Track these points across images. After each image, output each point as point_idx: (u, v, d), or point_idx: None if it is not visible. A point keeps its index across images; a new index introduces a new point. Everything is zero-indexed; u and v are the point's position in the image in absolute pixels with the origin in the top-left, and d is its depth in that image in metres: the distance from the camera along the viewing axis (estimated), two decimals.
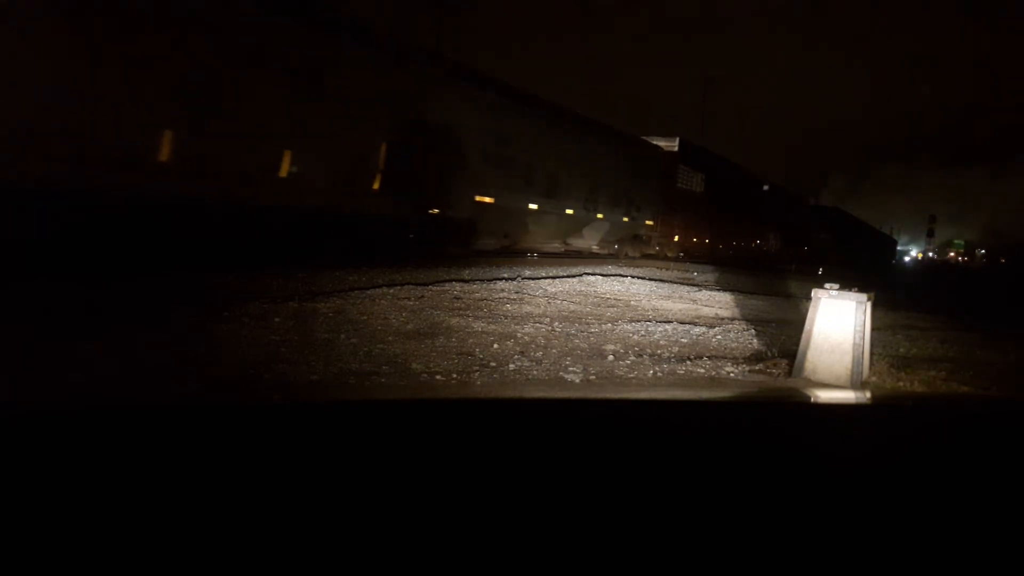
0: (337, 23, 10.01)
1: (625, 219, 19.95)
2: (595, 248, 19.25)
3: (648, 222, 21.61)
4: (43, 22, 6.49)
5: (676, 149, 23.60)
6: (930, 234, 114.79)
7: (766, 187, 35.38)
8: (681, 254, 23.40)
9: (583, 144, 17.38)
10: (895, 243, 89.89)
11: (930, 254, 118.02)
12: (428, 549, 0.71)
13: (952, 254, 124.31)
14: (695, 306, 9.09)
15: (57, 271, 6.19)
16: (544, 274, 11.13)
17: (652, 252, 21.92)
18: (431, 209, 11.79)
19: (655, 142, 22.80)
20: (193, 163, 8.08)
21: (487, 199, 13.39)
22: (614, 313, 7.64)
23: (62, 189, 6.81)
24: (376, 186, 10.77)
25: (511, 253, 14.89)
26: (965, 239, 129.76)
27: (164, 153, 7.81)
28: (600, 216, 18.40)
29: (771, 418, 1.42)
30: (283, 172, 9.21)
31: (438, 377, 4.26)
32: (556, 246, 17.74)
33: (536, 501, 0.84)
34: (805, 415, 1.52)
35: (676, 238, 23.88)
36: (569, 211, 16.96)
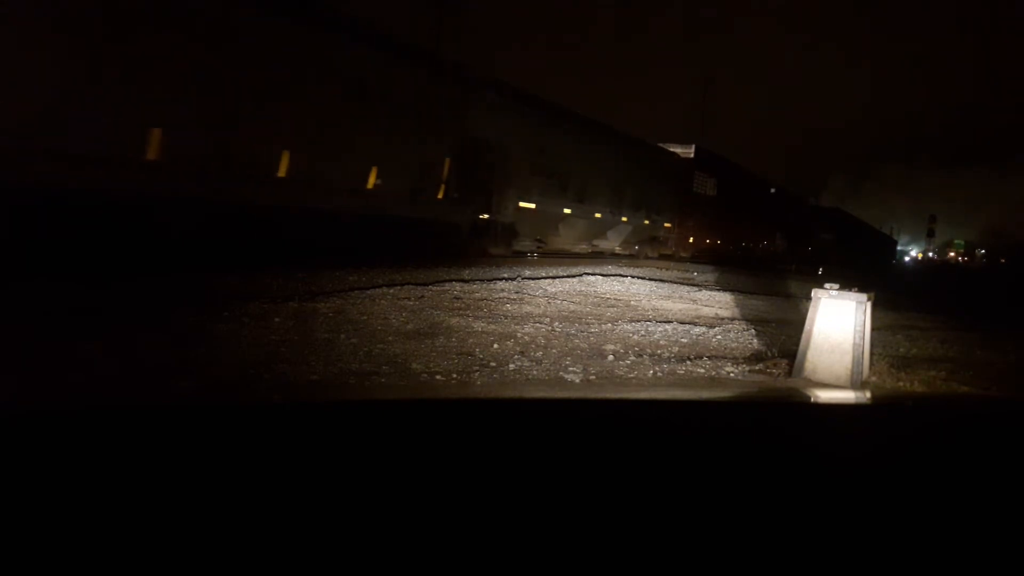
0: (411, 56, 11.76)
1: (646, 222, 21.38)
2: (618, 249, 20.41)
3: (666, 224, 22.99)
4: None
5: (692, 156, 24.91)
6: (930, 234, 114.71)
7: (773, 190, 36.67)
8: (695, 254, 24.52)
9: (610, 153, 18.86)
10: (895, 243, 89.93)
11: (930, 254, 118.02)
12: (429, 549, 0.71)
13: (952, 254, 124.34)
14: (695, 306, 9.09)
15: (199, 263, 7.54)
16: (544, 274, 11.13)
17: (669, 253, 22.90)
18: (482, 215, 13.31)
19: (672, 149, 24.02)
20: (303, 178, 9.65)
21: (529, 205, 15.06)
22: (614, 313, 7.64)
23: (214, 201, 8.63)
24: (440, 195, 12.44)
25: (544, 254, 16.11)
26: (966, 239, 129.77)
27: (281, 170, 9.35)
28: (624, 219, 19.85)
29: (771, 418, 1.42)
30: (370, 184, 10.88)
31: (438, 377, 4.26)
32: (583, 247, 18.84)
33: (537, 501, 0.83)
34: (805, 415, 1.52)
35: (691, 239, 25.08)
36: (597, 215, 18.42)
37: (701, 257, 23.79)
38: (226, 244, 8.52)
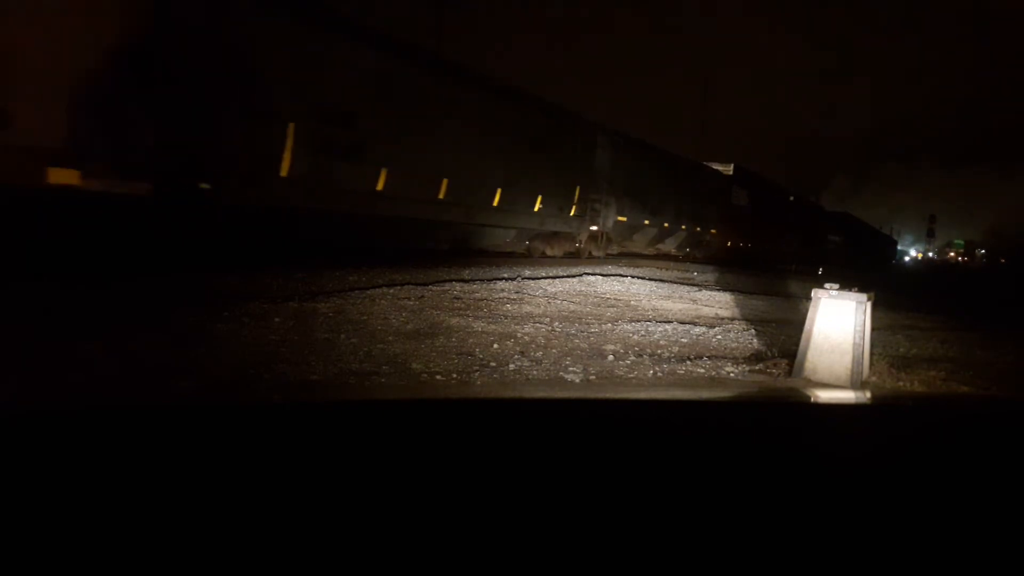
0: (560, 114, 16.87)
1: (697, 229, 26.11)
2: (673, 251, 24.77)
3: (712, 231, 27.64)
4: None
5: (731, 173, 29.68)
6: (930, 234, 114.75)
7: (792, 198, 41.62)
8: (728, 255, 28.35)
9: (675, 174, 23.86)
10: (895, 243, 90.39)
11: (930, 254, 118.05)
12: (428, 549, 0.71)
13: (952, 254, 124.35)
14: (695, 306, 9.09)
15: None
16: (544, 274, 11.13)
17: (712, 255, 26.86)
18: (592, 226, 18.46)
19: (715, 167, 28.94)
20: (509, 204, 14.71)
21: (622, 219, 19.98)
22: (614, 313, 7.64)
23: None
24: (572, 213, 17.34)
25: (623, 254, 20.90)
26: (966, 239, 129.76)
27: (495, 201, 14.25)
28: (683, 228, 24.52)
29: (771, 418, 1.42)
30: (536, 208, 15.76)
31: (438, 377, 4.26)
32: (650, 250, 23.38)
33: (536, 501, 0.84)
34: (805, 415, 1.52)
35: (729, 244, 29.48)
36: (665, 224, 23.21)
37: (738, 257, 27.32)
38: (463, 250, 14.31)
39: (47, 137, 6.49)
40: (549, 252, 17.24)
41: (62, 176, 6.63)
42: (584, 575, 0.70)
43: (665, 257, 23.48)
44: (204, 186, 8.13)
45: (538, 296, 8.40)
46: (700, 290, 11.28)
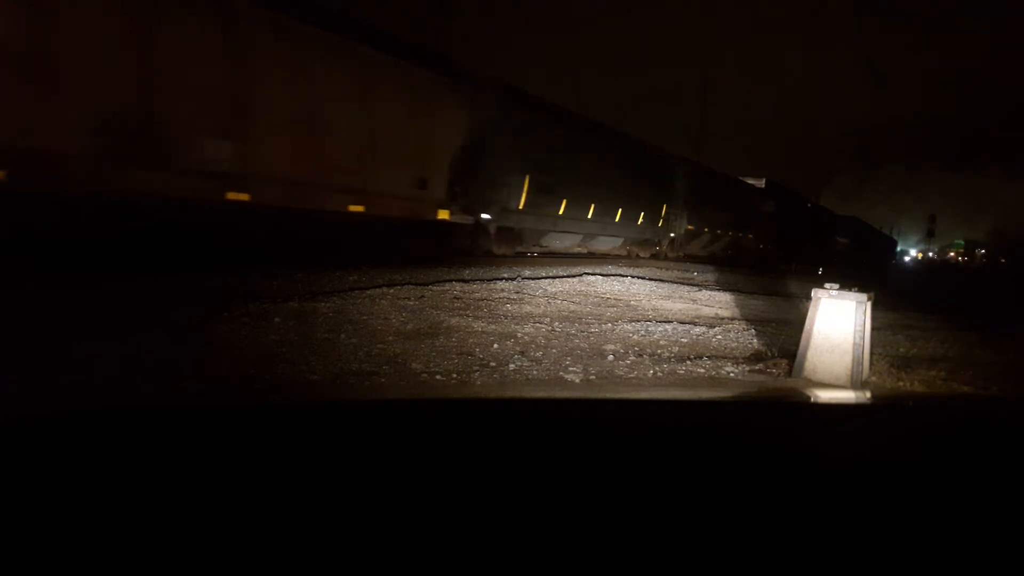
0: (649, 148, 23.39)
1: (739, 235, 31.97)
2: (718, 254, 29.48)
3: (749, 236, 33.34)
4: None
5: (763, 186, 35.38)
6: (930, 234, 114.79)
7: (809, 204, 47.65)
8: (758, 256, 32.70)
9: (724, 190, 30.04)
10: (895, 243, 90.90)
11: (930, 254, 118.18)
12: (428, 549, 0.71)
13: (952, 254, 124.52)
14: (695, 306, 9.09)
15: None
16: (544, 274, 11.13)
17: (747, 256, 31.04)
18: (671, 233, 24.44)
19: (750, 181, 34.77)
20: (624, 219, 20.52)
21: (691, 227, 25.93)
22: (614, 313, 7.64)
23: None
24: (659, 225, 23.52)
25: (686, 257, 25.32)
26: (967, 239, 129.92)
27: (617, 218, 20.16)
28: (729, 234, 30.55)
29: (771, 418, 1.42)
30: (639, 222, 21.72)
31: (438, 377, 4.26)
32: (701, 252, 27.93)
33: (536, 501, 0.84)
34: (805, 415, 1.52)
35: (760, 246, 34.50)
36: (718, 231, 29.20)
37: (767, 258, 31.28)
38: (592, 253, 20.37)
39: (439, 195, 12.87)
40: (641, 254, 22.86)
41: (443, 214, 13.04)
42: (586, 574, 0.70)
43: (711, 259, 27.26)
44: (486, 217, 14.55)
45: (538, 296, 8.40)
46: (700, 290, 11.27)
